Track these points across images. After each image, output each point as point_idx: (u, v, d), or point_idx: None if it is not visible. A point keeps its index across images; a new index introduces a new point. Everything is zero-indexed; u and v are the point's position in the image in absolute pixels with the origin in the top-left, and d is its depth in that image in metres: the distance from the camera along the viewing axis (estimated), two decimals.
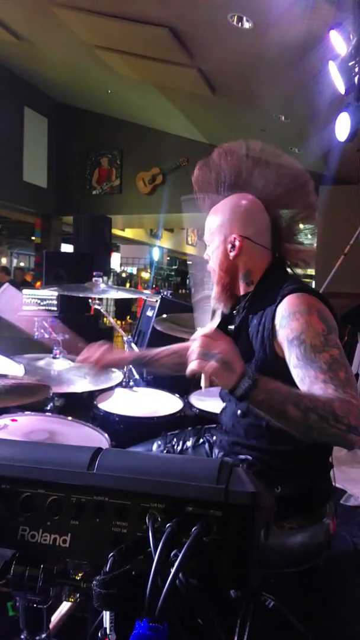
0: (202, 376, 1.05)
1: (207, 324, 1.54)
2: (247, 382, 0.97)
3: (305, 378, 1.07)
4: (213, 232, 1.34)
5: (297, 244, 1.36)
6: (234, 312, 1.39)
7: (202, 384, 1.10)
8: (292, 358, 1.11)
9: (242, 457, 1.30)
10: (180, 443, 1.56)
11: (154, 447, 1.59)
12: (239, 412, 1.32)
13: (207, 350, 0.98)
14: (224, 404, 1.45)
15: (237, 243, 1.29)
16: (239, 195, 1.33)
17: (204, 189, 1.40)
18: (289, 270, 1.37)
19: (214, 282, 1.36)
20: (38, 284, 7.34)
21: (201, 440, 1.54)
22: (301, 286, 1.21)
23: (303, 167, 1.35)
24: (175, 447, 1.56)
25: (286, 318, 1.15)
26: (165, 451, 1.55)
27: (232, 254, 1.30)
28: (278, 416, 1.00)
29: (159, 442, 1.60)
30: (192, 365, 0.99)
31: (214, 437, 1.51)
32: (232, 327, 1.37)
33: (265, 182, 1.32)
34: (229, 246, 1.30)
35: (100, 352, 1.61)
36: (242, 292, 1.35)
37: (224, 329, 1.41)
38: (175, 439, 1.58)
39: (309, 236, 1.40)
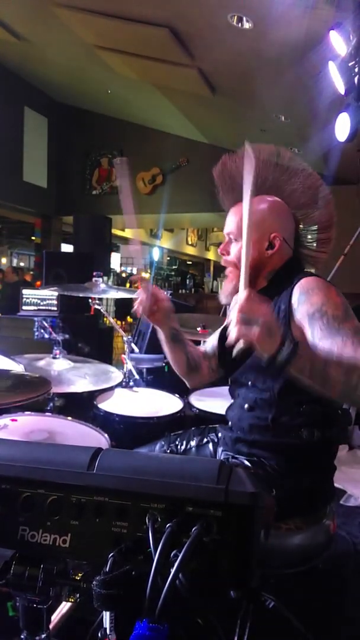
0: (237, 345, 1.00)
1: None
2: (289, 347, 0.96)
3: (333, 346, 1.06)
4: (249, 227, 1.31)
5: (311, 251, 1.43)
6: None
7: (234, 352, 1.03)
8: (316, 331, 1.11)
9: (239, 460, 1.30)
10: (184, 443, 1.56)
11: (157, 447, 1.59)
12: (246, 405, 1.33)
13: (250, 315, 0.96)
14: (233, 400, 1.45)
15: (276, 242, 1.31)
16: (272, 197, 1.37)
17: (228, 184, 1.42)
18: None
19: (235, 277, 1.35)
20: (37, 283, 7.36)
21: (205, 439, 1.54)
22: (315, 273, 1.27)
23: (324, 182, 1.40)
24: (179, 447, 1.56)
25: (304, 294, 1.18)
26: (168, 451, 1.55)
27: (269, 252, 1.32)
28: (321, 380, 0.99)
29: (162, 443, 1.60)
30: (234, 333, 0.96)
31: (219, 434, 1.51)
32: None
33: (292, 190, 1.37)
34: (266, 244, 1.31)
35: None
36: (257, 288, 1.35)
37: None
38: (178, 439, 1.58)
39: (324, 246, 1.45)
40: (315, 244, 1.42)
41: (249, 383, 1.33)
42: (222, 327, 1.54)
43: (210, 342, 1.60)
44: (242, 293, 0.98)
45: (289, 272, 1.32)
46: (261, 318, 0.96)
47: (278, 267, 1.34)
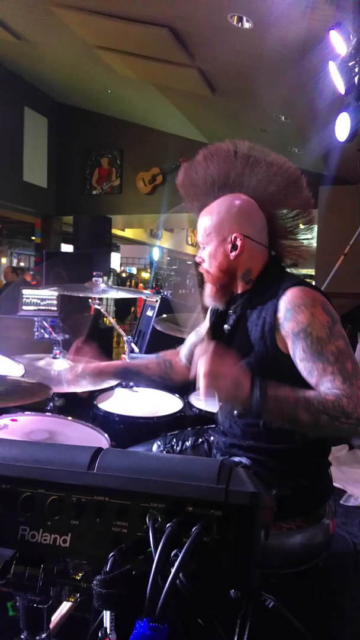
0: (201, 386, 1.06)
1: (201, 326, 1.55)
2: (257, 398, 1.02)
3: (314, 371, 1.11)
4: (210, 234, 1.33)
5: (293, 241, 1.38)
6: (230, 310, 1.39)
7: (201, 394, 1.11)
8: (298, 351, 1.14)
9: (238, 459, 1.30)
10: (180, 443, 1.56)
11: (154, 447, 1.59)
12: (235, 412, 1.32)
13: (217, 371, 1.02)
14: (220, 404, 1.45)
15: (238, 242, 1.29)
16: (232, 196, 1.34)
17: (191, 192, 1.43)
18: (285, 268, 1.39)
19: (210, 283, 1.35)
20: (33, 282, 7.36)
21: (200, 440, 1.54)
22: (301, 281, 1.23)
23: (293, 164, 1.36)
24: (175, 447, 1.56)
25: (291, 311, 1.17)
26: (165, 451, 1.55)
27: (233, 254, 1.30)
28: (290, 422, 1.05)
29: (159, 443, 1.60)
30: (203, 390, 1.01)
31: (212, 438, 1.51)
32: (227, 326, 1.38)
33: (257, 182, 1.33)
34: (229, 246, 1.30)
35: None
36: (240, 291, 1.35)
37: (219, 328, 1.42)
38: (175, 439, 1.59)
39: (307, 233, 1.41)
40: (298, 231, 1.38)
41: None
42: (197, 329, 1.56)
43: (188, 342, 1.61)
44: (207, 348, 1.03)
45: (272, 275, 1.29)
46: (227, 373, 1.02)
47: (259, 267, 1.31)
